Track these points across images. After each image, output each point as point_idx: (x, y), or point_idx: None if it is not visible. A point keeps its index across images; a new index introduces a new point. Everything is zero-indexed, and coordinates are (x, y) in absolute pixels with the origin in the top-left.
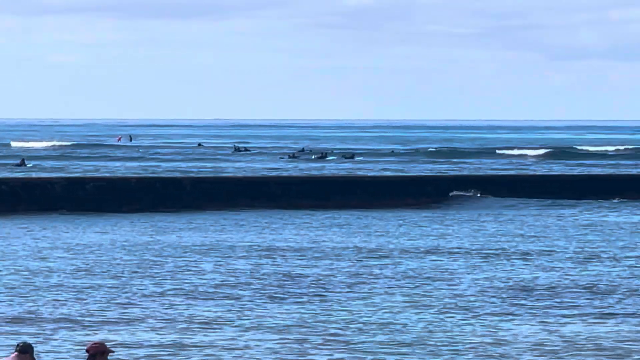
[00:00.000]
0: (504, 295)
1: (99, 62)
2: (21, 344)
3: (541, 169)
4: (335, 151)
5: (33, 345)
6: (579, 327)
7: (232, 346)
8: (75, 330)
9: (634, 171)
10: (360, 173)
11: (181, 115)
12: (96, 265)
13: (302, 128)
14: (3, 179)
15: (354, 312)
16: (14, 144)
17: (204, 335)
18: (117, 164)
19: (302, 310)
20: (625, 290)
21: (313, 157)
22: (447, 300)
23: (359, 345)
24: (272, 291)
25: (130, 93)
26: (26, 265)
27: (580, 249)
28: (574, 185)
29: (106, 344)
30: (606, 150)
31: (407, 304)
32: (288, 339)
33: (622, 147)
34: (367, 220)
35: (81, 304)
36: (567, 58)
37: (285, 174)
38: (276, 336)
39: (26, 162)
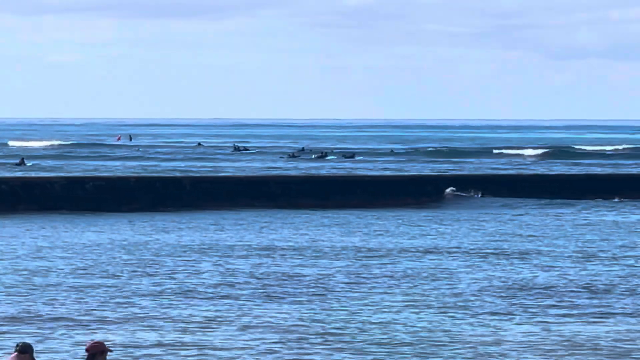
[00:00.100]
0: (503, 295)
1: (99, 62)
2: (21, 344)
3: (540, 169)
4: (335, 150)
5: (32, 344)
6: (578, 326)
7: (232, 346)
8: (74, 329)
9: (633, 171)
10: (359, 172)
11: (181, 115)
12: (95, 265)
13: (301, 127)
14: (2, 179)
15: (354, 312)
16: (13, 143)
17: (203, 335)
18: (117, 163)
19: (302, 310)
20: (624, 289)
21: (313, 156)
22: (446, 299)
23: (358, 345)
24: (272, 290)
25: (129, 93)
26: (25, 264)
27: (579, 249)
28: (573, 185)
29: (105, 343)
30: (605, 150)
31: (406, 304)
32: (287, 338)
33: (621, 147)
34: (367, 220)
35: (80, 303)
36: (567, 58)
37: (285, 173)
38: (275, 336)
39: (25, 161)
